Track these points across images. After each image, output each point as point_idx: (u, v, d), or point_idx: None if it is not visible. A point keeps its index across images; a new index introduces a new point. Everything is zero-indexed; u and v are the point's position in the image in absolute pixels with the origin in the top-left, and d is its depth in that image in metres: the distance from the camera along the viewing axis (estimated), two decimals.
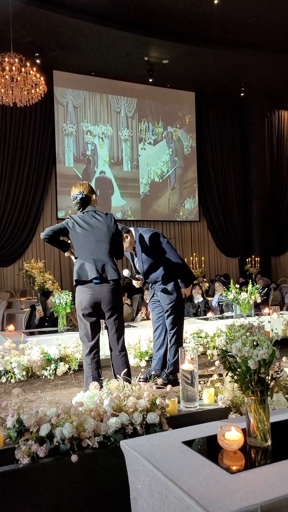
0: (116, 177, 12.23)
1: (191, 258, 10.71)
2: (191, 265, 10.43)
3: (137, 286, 3.76)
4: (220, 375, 3.05)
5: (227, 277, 11.59)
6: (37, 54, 9.71)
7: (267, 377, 1.76)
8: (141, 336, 4.47)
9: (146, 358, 4.22)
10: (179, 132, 13.17)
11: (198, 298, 6.88)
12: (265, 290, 6.69)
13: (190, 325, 4.89)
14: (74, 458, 2.15)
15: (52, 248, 11.59)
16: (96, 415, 2.39)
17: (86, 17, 9.08)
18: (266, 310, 5.62)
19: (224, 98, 13.38)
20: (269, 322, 5.02)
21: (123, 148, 12.39)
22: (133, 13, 9.21)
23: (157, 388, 2.85)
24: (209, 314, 5.85)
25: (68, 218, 3.27)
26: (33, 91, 8.14)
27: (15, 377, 3.75)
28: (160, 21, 9.56)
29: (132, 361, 4.20)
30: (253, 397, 1.77)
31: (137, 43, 9.95)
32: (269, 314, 5.33)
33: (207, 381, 3.02)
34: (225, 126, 13.77)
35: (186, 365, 2.69)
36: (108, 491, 2.25)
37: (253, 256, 12.27)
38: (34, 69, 8.13)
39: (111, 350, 3.29)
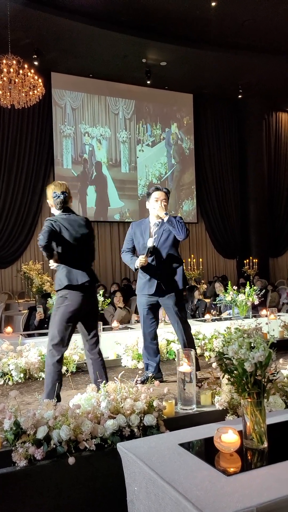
0: (114, 179, 12.25)
1: (189, 259, 10.71)
2: (189, 267, 10.45)
3: (142, 263, 3.48)
4: (218, 377, 3.05)
5: (225, 278, 11.60)
6: (35, 56, 9.72)
7: (263, 379, 1.77)
8: (138, 338, 4.47)
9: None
10: (177, 134, 13.20)
11: (195, 300, 6.89)
12: (263, 291, 6.71)
13: None
14: (71, 460, 2.15)
15: None
16: (94, 418, 2.39)
17: (84, 19, 9.09)
18: (264, 311, 5.62)
19: (222, 100, 13.41)
20: (266, 324, 5.03)
21: (121, 150, 12.41)
22: (131, 15, 9.23)
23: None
24: (207, 316, 5.85)
25: (50, 220, 3.12)
26: (31, 93, 8.15)
27: (12, 379, 3.75)
28: (158, 23, 9.58)
29: (130, 363, 4.21)
30: (249, 399, 1.78)
31: (135, 45, 9.97)
32: (266, 316, 5.33)
33: (204, 383, 3.02)
34: (223, 128, 13.80)
35: (183, 367, 2.70)
36: (105, 493, 2.25)
37: (251, 258, 12.27)
38: (32, 71, 8.14)
39: (89, 355, 3.22)
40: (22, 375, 3.78)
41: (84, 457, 2.25)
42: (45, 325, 5.42)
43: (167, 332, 4.65)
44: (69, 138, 11.70)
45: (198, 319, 6.11)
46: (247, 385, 1.76)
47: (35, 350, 3.98)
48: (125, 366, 4.20)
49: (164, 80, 11.95)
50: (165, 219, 3.48)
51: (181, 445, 1.82)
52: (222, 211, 13.73)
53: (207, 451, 1.79)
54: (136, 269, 3.54)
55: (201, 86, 12.55)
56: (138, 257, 3.54)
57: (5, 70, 7.73)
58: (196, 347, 4.56)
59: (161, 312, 6.01)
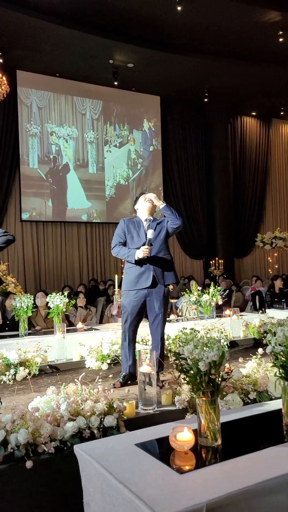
0: (81, 179, 12.18)
1: None
2: None
3: (146, 253, 3.42)
4: (178, 377, 3.09)
5: (191, 279, 11.74)
6: (0, 54, 9.55)
7: (217, 378, 1.81)
8: (103, 339, 4.47)
9: (108, 361, 4.22)
10: (144, 135, 13.26)
11: None
12: (227, 292, 6.84)
13: None
14: (28, 464, 2.13)
15: (16, 250, 11.42)
16: (53, 420, 2.38)
17: (50, 18, 9.00)
18: (228, 311, 5.73)
19: (188, 103, 13.58)
20: (223, 325, 5.12)
21: (89, 150, 12.35)
22: (98, 15, 9.21)
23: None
24: (172, 316, 5.91)
25: None
26: None
27: None
28: (125, 25, 9.60)
29: (94, 364, 4.20)
30: (204, 398, 1.82)
31: (102, 46, 9.96)
32: (229, 316, 5.44)
33: (165, 383, 3.06)
34: (190, 131, 13.97)
35: (144, 368, 2.73)
36: (64, 497, 2.25)
37: (217, 259, 12.50)
38: None
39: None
40: None
41: (43, 460, 2.23)
42: (6, 328, 5.34)
43: None
44: (35, 137, 11.55)
45: None
46: (201, 384, 1.80)
47: None
48: (89, 367, 4.19)
49: (131, 82, 11.98)
50: (162, 206, 3.59)
51: (137, 445, 1.85)
52: (189, 213, 13.89)
53: (162, 450, 1.82)
54: (136, 261, 3.49)
55: (168, 89, 12.66)
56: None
57: None
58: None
59: None
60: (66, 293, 5.10)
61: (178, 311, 6.74)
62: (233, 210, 14.39)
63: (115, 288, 6.16)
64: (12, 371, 3.80)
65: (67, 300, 5.01)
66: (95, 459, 1.71)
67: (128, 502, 1.43)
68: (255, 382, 2.94)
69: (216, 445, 1.81)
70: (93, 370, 4.10)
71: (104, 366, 4.19)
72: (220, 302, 5.94)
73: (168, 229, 3.61)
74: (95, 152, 12.42)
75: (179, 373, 1.89)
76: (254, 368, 3.03)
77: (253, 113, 14.96)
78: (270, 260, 12.42)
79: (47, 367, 4.10)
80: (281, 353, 1.93)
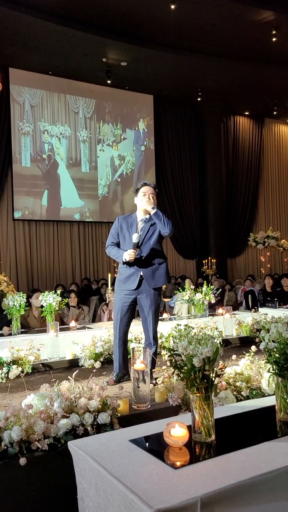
0: (73, 178, 12.14)
1: None
2: None
3: (130, 258, 3.43)
4: (173, 373, 3.10)
5: (184, 278, 11.75)
6: None
7: (211, 374, 1.82)
8: (96, 338, 4.46)
9: (101, 359, 4.22)
10: (137, 134, 13.25)
11: None
12: (219, 291, 6.86)
13: None
14: (22, 461, 2.13)
15: (8, 249, 11.36)
16: (47, 417, 2.37)
17: (44, 16, 8.97)
18: (220, 310, 5.75)
19: (181, 102, 13.60)
20: (216, 323, 5.13)
21: (82, 149, 12.33)
22: (91, 13, 9.20)
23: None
24: (165, 315, 5.92)
25: None
26: None
27: None
28: (118, 23, 9.60)
29: (87, 363, 4.19)
30: (198, 394, 1.83)
31: (95, 44, 9.94)
32: (222, 315, 5.46)
33: (159, 380, 3.07)
34: (183, 130, 13.99)
35: (137, 365, 2.73)
36: (58, 493, 2.24)
37: (209, 258, 12.53)
38: None
39: None
40: None
41: (37, 457, 2.23)
42: None
43: None
44: (28, 135, 11.50)
45: None
46: (195, 380, 1.80)
47: None
48: (82, 366, 4.18)
49: (124, 80, 11.98)
50: (152, 212, 3.48)
51: (132, 441, 1.85)
52: (182, 212, 13.92)
53: (157, 446, 1.82)
54: (124, 262, 3.50)
55: (161, 88, 12.68)
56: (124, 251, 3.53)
57: None
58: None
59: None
60: (59, 292, 5.09)
61: (173, 310, 6.75)
62: (225, 209, 14.45)
63: (108, 287, 6.16)
64: (5, 369, 3.78)
65: (59, 298, 4.99)
66: (89, 455, 1.71)
67: (122, 497, 1.43)
68: (248, 380, 2.96)
69: (210, 440, 1.81)
70: (86, 369, 4.09)
71: (97, 365, 4.18)
72: (213, 301, 5.95)
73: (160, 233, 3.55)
74: (88, 151, 12.40)
75: (173, 370, 1.89)
76: (247, 366, 3.05)
77: (246, 113, 15.03)
78: (263, 260, 12.49)
79: (40, 365, 4.08)
80: (275, 349, 1.95)
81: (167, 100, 13.43)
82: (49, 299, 4.92)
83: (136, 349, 2.86)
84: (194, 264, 14.32)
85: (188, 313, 6.11)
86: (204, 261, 12.56)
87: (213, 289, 5.90)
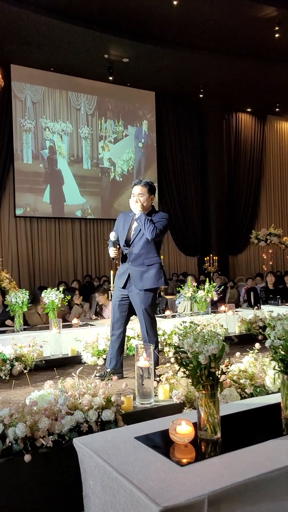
0: (75, 175, 12.12)
1: None
2: None
3: (113, 255, 3.51)
4: (176, 371, 3.09)
5: (186, 275, 11.75)
6: None
7: (217, 371, 1.81)
8: (99, 335, 4.46)
9: (104, 356, 4.22)
10: (139, 131, 13.22)
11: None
12: (222, 288, 6.85)
13: None
14: (27, 458, 2.13)
15: (10, 246, 11.36)
16: (51, 414, 2.37)
17: (45, 12, 8.93)
18: (223, 307, 5.75)
19: (183, 99, 13.56)
20: (218, 320, 5.14)
21: (83, 146, 12.30)
22: (93, 10, 9.15)
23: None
24: (167, 312, 5.92)
25: None
26: None
27: None
28: (120, 20, 9.55)
29: (90, 360, 4.19)
30: (203, 391, 1.82)
31: (97, 40, 9.90)
32: (225, 312, 5.45)
33: (163, 377, 3.06)
34: (185, 127, 13.95)
35: (141, 362, 2.72)
36: (62, 490, 2.24)
37: (211, 255, 12.50)
38: None
39: None
40: None
41: (41, 454, 2.23)
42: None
43: (128, 329, 4.65)
44: (30, 132, 11.48)
45: (158, 315, 6.16)
46: (201, 377, 1.80)
47: None
48: (85, 362, 4.18)
49: (126, 77, 11.93)
50: (136, 216, 3.45)
51: (137, 438, 1.84)
52: (183, 209, 13.89)
53: (162, 443, 1.82)
54: (113, 259, 3.56)
55: (163, 85, 12.63)
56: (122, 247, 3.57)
57: None
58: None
59: None
60: (61, 289, 5.09)
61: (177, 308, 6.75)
62: (227, 206, 14.41)
63: (110, 284, 6.15)
64: (8, 366, 3.78)
65: (62, 295, 4.99)
66: (95, 452, 1.71)
67: (129, 494, 1.43)
68: (252, 377, 2.95)
69: (215, 438, 1.81)
70: (89, 365, 4.09)
71: (100, 361, 4.19)
72: (215, 298, 5.94)
73: None
74: (89, 148, 12.37)
75: (179, 367, 1.88)
76: (251, 363, 3.04)
77: (248, 110, 14.97)
78: (265, 257, 12.45)
79: (43, 362, 4.08)
80: (280, 346, 1.94)
81: (169, 96, 13.38)
82: (51, 296, 4.92)
83: (140, 347, 2.85)
84: (196, 261, 14.30)
85: (191, 310, 6.10)
86: (205, 258, 12.54)
87: (215, 286, 5.89)
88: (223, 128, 14.29)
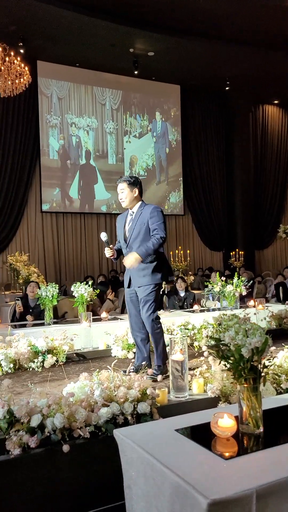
0: (100, 170, 12.16)
1: (176, 251, 10.74)
2: (176, 259, 10.48)
3: (108, 255, 3.60)
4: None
5: (211, 270, 11.66)
6: (21, 44, 9.55)
7: (259, 365, 1.78)
8: (128, 329, 4.47)
9: (134, 350, 4.22)
10: (164, 125, 13.15)
11: (182, 291, 6.90)
12: (250, 283, 6.76)
13: (177, 318, 4.92)
14: (65, 448, 2.14)
15: (37, 241, 11.50)
16: (87, 406, 2.38)
17: (70, 7, 8.95)
18: (251, 302, 5.67)
19: (209, 92, 13.40)
20: (254, 314, 5.09)
21: (108, 141, 12.32)
22: (118, 3, 9.12)
23: (151, 379, 2.86)
24: (195, 307, 5.88)
25: None
26: (17, 81, 8.01)
27: (2, 370, 3.71)
28: (145, 13, 9.49)
29: (120, 353, 4.21)
30: (245, 385, 1.79)
31: (122, 34, 9.87)
32: (254, 307, 5.38)
33: (196, 372, 3.04)
34: (210, 120, 13.80)
35: (176, 356, 2.71)
36: (100, 480, 2.26)
37: (237, 250, 12.36)
38: (18, 58, 8.00)
39: None
40: (11, 365, 3.74)
41: (78, 444, 2.24)
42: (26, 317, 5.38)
43: None
44: (56, 128, 11.57)
45: (186, 310, 6.14)
46: (243, 370, 1.77)
47: (25, 340, 3.95)
48: (115, 356, 4.20)
49: (151, 71, 11.87)
50: (135, 265, 3.36)
51: (177, 430, 1.83)
52: (208, 204, 13.77)
53: (203, 436, 1.80)
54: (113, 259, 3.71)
55: (188, 78, 12.51)
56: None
57: None
58: (186, 337, 4.57)
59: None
60: (90, 283, 5.12)
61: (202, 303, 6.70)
62: (253, 201, 14.21)
63: None
64: (40, 358, 3.83)
65: (91, 289, 5.03)
66: (136, 443, 1.70)
67: (175, 486, 1.42)
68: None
69: (258, 432, 1.78)
70: (119, 359, 4.11)
71: (130, 355, 4.19)
72: (244, 293, 5.87)
73: None
74: (114, 143, 12.38)
75: (219, 360, 1.86)
76: (287, 358, 2.99)
77: (275, 102, 14.69)
78: None
79: (74, 355, 4.12)
80: None
81: (194, 90, 13.25)
82: (80, 290, 4.96)
83: (174, 340, 2.83)
84: (221, 256, 14.18)
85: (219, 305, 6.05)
86: (231, 253, 12.41)
87: (244, 281, 5.82)
88: (250, 121, 14.08)
